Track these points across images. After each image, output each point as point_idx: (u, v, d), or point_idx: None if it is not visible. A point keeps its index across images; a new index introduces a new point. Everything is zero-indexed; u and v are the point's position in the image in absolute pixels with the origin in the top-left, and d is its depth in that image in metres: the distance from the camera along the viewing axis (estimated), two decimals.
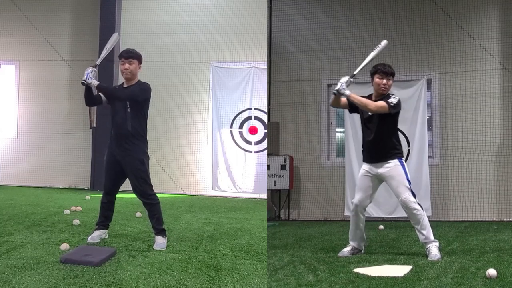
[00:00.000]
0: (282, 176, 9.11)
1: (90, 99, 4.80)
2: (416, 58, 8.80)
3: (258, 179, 9.88)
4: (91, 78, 4.60)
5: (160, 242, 4.69)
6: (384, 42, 4.91)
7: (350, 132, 8.65)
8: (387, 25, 9.02)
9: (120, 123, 4.68)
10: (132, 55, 4.73)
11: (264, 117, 9.92)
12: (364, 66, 4.84)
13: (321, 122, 9.41)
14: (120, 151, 4.71)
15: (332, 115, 9.47)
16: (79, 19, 10.83)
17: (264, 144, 9.89)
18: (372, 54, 4.86)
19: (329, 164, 9.34)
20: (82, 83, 4.63)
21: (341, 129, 9.36)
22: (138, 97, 4.70)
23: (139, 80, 4.83)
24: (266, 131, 9.82)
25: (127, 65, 4.70)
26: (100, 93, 4.81)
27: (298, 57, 9.51)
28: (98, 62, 4.87)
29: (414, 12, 8.94)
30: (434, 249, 4.61)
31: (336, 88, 4.69)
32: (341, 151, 9.34)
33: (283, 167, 9.12)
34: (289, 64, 9.51)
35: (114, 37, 5.17)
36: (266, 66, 9.54)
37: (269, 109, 9.73)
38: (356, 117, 8.35)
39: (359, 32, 9.11)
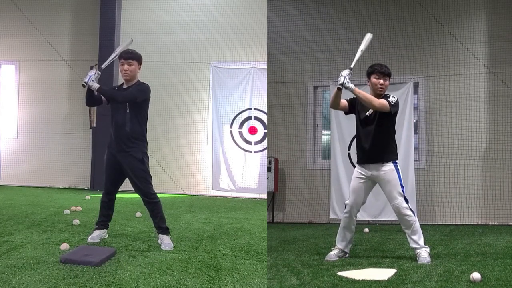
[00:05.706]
0: (267, 178, 9.06)
1: (91, 99, 4.80)
2: (403, 61, 8.73)
3: (258, 179, 9.87)
4: (92, 81, 4.59)
5: (167, 241, 4.73)
6: (368, 35, 4.86)
7: (336, 135, 8.62)
8: (374, 28, 8.86)
9: (119, 124, 4.70)
10: (132, 56, 4.75)
11: (264, 117, 9.92)
12: (358, 58, 4.73)
13: (307, 124, 9.32)
14: (120, 152, 4.73)
15: (318, 117, 9.40)
16: (79, 19, 10.82)
17: (264, 144, 9.88)
18: (361, 47, 4.79)
19: (315, 166, 9.26)
20: (83, 85, 4.61)
21: (327, 132, 9.28)
22: (137, 98, 4.71)
23: (138, 81, 4.84)
24: (266, 131, 9.82)
25: (126, 66, 4.72)
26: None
27: (284, 59, 9.39)
28: (104, 66, 4.83)
29: (402, 16, 8.89)
30: (424, 254, 4.61)
31: (340, 82, 4.53)
32: (327, 153, 9.26)
33: (268, 169, 9.08)
34: (275, 66, 9.37)
35: (127, 42, 5.08)
36: (266, 66, 9.51)
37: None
38: (343, 119, 8.47)
39: (346, 35, 9.02)
